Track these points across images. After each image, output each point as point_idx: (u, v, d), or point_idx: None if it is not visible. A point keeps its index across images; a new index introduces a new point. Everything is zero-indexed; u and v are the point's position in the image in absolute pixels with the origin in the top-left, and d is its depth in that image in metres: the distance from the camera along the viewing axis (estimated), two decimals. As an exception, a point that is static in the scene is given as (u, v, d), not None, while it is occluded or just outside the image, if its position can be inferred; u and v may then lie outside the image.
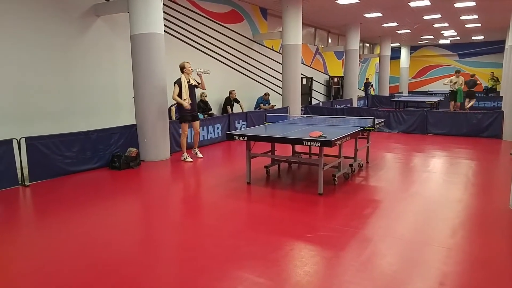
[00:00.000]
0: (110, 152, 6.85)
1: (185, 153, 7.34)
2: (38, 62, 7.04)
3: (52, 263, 3.29)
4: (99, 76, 8.11)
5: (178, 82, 6.96)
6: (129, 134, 7.19)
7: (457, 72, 13.44)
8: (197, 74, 7.18)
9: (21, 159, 5.70)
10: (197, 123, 7.42)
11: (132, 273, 3.08)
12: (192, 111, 7.17)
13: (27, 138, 5.75)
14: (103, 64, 8.19)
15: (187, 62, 7.12)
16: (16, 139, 5.65)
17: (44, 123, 7.04)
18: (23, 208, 4.95)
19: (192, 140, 7.80)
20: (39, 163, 5.86)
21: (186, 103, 6.96)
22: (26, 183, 5.68)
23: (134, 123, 7.37)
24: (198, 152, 7.63)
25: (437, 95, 18.04)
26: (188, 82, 7.05)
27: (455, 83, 13.12)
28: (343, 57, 17.93)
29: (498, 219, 4.22)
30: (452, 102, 13.47)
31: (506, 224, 4.10)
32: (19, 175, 5.66)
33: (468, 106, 13.90)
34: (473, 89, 14.06)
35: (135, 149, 6.97)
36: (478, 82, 14.90)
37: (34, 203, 5.11)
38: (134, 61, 7.17)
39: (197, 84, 7.25)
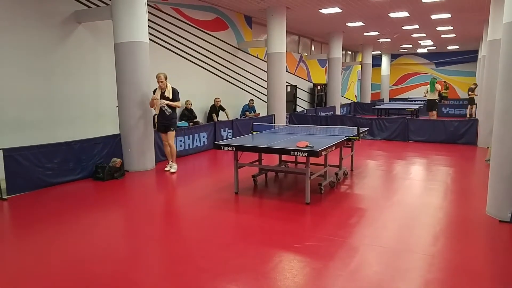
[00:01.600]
0: (94, 162, 6.71)
1: (170, 161, 7.26)
2: (16, 70, 6.84)
3: (30, 280, 3.20)
4: (81, 85, 7.95)
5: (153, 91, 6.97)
6: (113, 144, 7.09)
7: (433, 79, 13.66)
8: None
9: None
10: (169, 135, 7.08)
11: (121, 288, 3.05)
12: (163, 121, 7.02)
13: (4, 150, 5.50)
14: (86, 72, 8.05)
15: (162, 74, 6.80)
16: None
17: (23, 133, 6.84)
18: (0, 223, 4.77)
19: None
20: (17, 175, 5.63)
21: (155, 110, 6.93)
22: (3, 196, 5.44)
23: (118, 132, 7.28)
24: (172, 167, 7.17)
25: (416, 102, 18.54)
26: (163, 92, 6.87)
27: (426, 91, 13.28)
28: (326, 65, 18.21)
29: (476, 225, 4.40)
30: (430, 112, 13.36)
31: (484, 230, 4.28)
32: None
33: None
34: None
35: (119, 160, 6.87)
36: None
37: (12, 217, 4.93)
38: (118, 70, 7.10)
39: (170, 98, 6.94)
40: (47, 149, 6.10)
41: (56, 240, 4.07)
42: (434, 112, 13.22)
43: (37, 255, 3.69)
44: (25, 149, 5.80)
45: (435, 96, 13.14)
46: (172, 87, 6.97)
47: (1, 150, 5.50)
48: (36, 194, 5.71)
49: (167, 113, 6.89)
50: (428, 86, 13.17)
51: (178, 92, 7.08)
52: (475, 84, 16.15)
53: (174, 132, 7.19)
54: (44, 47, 7.28)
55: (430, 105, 13.22)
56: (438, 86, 13.23)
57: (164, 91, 6.89)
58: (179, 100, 7.13)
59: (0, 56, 6.62)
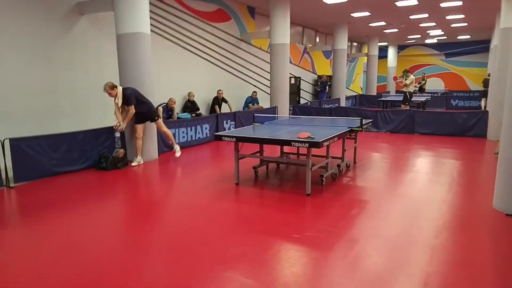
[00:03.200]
0: (97, 152, 6.76)
1: (139, 156, 7.05)
2: (21, 61, 6.90)
3: (36, 266, 3.23)
4: (85, 76, 7.98)
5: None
6: (114, 135, 7.10)
7: (406, 71, 13.49)
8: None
9: (5, 160, 5.59)
10: (158, 124, 7.23)
11: (120, 276, 3.05)
12: (143, 117, 6.98)
13: (11, 139, 5.64)
14: (89, 63, 8.06)
15: (106, 86, 6.60)
16: (0, 140, 5.54)
17: (29, 124, 6.90)
18: (8, 210, 4.85)
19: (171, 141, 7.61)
20: (24, 164, 5.77)
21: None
22: (10, 185, 5.58)
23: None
24: (177, 151, 7.51)
25: (424, 94, 18.28)
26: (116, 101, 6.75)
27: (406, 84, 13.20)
28: (331, 56, 18.01)
29: (482, 219, 4.30)
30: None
31: (489, 224, 4.18)
32: (3, 176, 5.56)
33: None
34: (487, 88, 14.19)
35: (122, 150, 6.89)
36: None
37: (18, 205, 5.02)
38: (120, 61, 7.08)
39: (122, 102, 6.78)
40: (53, 139, 6.20)
41: (60, 227, 4.12)
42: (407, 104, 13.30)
43: (44, 241, 3.74)
44: (32, 139, 5.92)
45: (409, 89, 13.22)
46: (122, 90, 6.70)
47: (8, 140, 5.61)
48: (41, 183, 5.81)
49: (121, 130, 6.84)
50: (405, 78, 13.17)
51: (131, 93, 6.71)
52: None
53: (160, 119, 7.30)
54: (48, 39, 7.31)
55: (411, 97, 13.38)
56: (412, 77, 13.15)
57: (115, 99, 6.71)
58: (132, 103, 6.72)
59: (4, 47, 6.67)
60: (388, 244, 3.60)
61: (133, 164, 6.91)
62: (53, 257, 3.42)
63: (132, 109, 6.75)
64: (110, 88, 6.64)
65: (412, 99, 14.77)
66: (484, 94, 15.45)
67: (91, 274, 3.10)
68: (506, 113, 4.43)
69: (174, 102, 9.27)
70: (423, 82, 20.75)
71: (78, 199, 5.08)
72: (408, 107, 12.97)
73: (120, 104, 6.72)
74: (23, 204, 5.00)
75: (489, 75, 15.75)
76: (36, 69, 7.14)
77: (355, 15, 14.62)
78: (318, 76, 18.87)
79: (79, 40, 7.86)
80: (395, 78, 14.92)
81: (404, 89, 13.05)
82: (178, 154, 7.49)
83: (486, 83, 15.22)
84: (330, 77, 18.47)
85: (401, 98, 13.57)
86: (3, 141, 5.57)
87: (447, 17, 15.61)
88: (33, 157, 5.90)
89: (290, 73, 13.20)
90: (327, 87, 17.71)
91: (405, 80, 12.96)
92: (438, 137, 9.86)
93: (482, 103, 15.95)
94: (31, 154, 5.87)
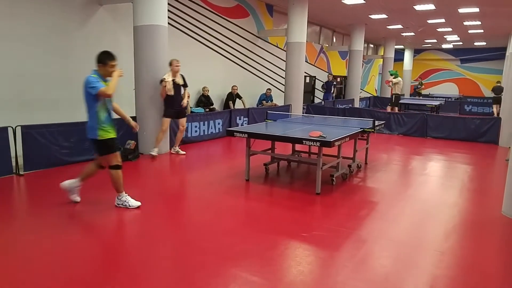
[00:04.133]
0: (109, 143, 6.82)
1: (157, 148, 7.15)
2: (38, 50, 6.98)
3: (43, 255, 3.27)
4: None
5: (161, 81, 6.92)
6: (128, 126, 7.03)
7: (395, 73, 13.93)
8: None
9: (16, 148, 5.58)
10: (183, 120, 7.28)
11: (127, 268, 3.10)
12: (176, 107, 7.08)
13: (23, 127, 5.63)
14: (105, 54, 8.16)
15: (176, 60, 6.91)
16: (12, 127, 5.54)
17: (43, 112, 6.97)
18: (16, 198, 4.91)
19: (175, 137, 7.54)
20: (35, 152, 5.74)
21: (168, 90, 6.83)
22: (20, 172, 5.59)
23: (134, 115, 7.34)
24: (180, 150, 7.44)
25: (438, 98, 18.08)
26: (174, 80, 6.89)
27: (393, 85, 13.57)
28: (347, 57, 17.88)
29: (491, 224, 4.27)
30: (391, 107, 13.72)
31: (498, 229, 4.15)
32: (13, 163, 5.57)
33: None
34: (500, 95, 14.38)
35: (133, 142, 6.95)
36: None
37: (27, 193, 5.07)
38: (136, 53, 7.15)
39: (182, 84, 7.06)
40: (64, 128, 6.20)
41: (70, 216, 4.16)
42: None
43: (53, 230, 3.76)
44: (43, 127, 5.92)
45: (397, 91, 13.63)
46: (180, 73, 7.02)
47: (20, 127, 5.63)
48: (51, 172, 5.83)
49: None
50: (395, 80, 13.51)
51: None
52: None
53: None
54: (65, 28, 7.40)
55: (397, 99, 13.74)
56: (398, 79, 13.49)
57: (175, 78, 6.88)
58: (187, 85, 7.21)
59: (22, 37, 6.75)
60: (396, 246, 3.59)
61: (152, 153, 7.00)
62: (61, 245, 3.46)
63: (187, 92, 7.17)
64: (177, 62, 6.92)
65: (426, 104, 14.74)
66: (495, 100, 15.48)
67: (98, 263, 3.15)
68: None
69: (188, 96, 9.33)
70: (421, 86, 21.11)
71: (88, 190, 4.98)
72: (396, 110, 13.25)
73: (179, 82, 6.91)
74: (32, 192, 5.03)
75: (497, 82, 15.76)
76: (53, 58, 7.23)
77: (373, 17, 14.48)
78: (333, 76, 18.76)
79: (96, 30, 7.92)
80: (387, 82, 15.05)
81: (393, 92, 13.57)
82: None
83: (496, 90, 15.38)
84: (336, 77, 18.17)
85: (415, 102, 13.61)
86: (15, 128, 5.58)
87: (464, 23, 15.42)
88: (44, 145, 5.89)
89: (305, 72, 13.15)
90: (333, 88, 16.80)
91: (394, 79, 13.38)
92: (451, 141, 9.77)
93: (495, 109, 15.96)
94: (42, 142, 5.85)
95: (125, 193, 4.40)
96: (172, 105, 7.05)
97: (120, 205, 4.36)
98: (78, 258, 3.19)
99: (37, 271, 2.97)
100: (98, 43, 7.98)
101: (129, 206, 4.34)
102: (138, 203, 4.38)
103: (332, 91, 16.66)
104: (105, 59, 4.20)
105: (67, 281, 2.83)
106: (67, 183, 4.38)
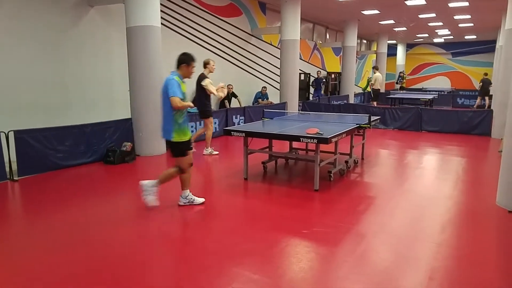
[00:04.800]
0: (105, 146, 6.75)
1: (209, 147, 7.44)
2: (29, 53, 6.91)
3: (39, 262, 3.24)
4: (93, 69, 8.01)
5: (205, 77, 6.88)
6: (124, 128, 7.14)
7: (375, 68, 14.68)
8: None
9: (9, 153, 5.49)
10: (211, 118, 7.44)
11: (128, 270, 3.09)
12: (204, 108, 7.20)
13: (15, 132, 5.53)
14: (98, 56, 8.09)
15: (212, 60, 7.07)
16: (4, 132, 5.44)
17: (37, 117, 6.91)
18: (11, 204, 4.87)
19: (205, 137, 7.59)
20: (28, 157, 5.66)
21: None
22: (14, 178, 5.51)
23: (130, 117, 7.34)
24: (213, 150, 7.51)
25: (431, 92, 18.22)
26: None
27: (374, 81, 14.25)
28: (341, 53, 17.93)
29: (486, 215, 4.35)
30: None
31: (493, 220, 4.24)
32: (7, 169, 5.48)
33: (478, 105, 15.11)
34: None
35: (130, 144, 6.93)
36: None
37: (22, 199, 5.02)
38: (130, 54, 7.12)
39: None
40: (59, 131, 6.14)
41: (67, 221, 4.14)
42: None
43: (48, 237, 3.74)
44: (36, 131, 5.83)
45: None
46: None
47: (13, 132, 5.52)
48: (46, 176, 5.77)
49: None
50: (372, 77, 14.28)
51: None
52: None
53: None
54: (56, 31, 7.34)
55: (376, 94, 14.45)
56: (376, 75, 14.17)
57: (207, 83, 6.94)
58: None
59: (13, 41, 6.69)
60: (394, 239, 3.64)
61: (213, 153, 7.35)
62: (57, 252, 3.43)
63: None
64: (214, 62, 7.13)
65: (419, 98, 14.99)
66: (483, 93, 15.89)
67: (97, 266, 3.12)
68: (510, 112, 4.46)
69: None
70: (403, 81, 21.71)
71: (84, 193, 5.05)
72: (375, 104, 13.80)
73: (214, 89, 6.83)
74: (27, 198, 4.98)
75: (485, 74, 16.06)
76: (44, 61, 7.16)
77: (365, 12, 14.57)
78: (328, 73, 18.83)
79: (88, 32, 7.85)
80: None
81: (374, 87, 14.23)
82: (214, 152, 7.46)
83: (485, 82, 15.73)
84: (329, 73, 18.33)
85: (409, 96, 13.86)
86: (8, 133, 5.46)
87: (455, 17, 15.61)
88: (38, 150, 5.81)
89: (300, 69, 13.18)
90: (322, 85, 16.57)
91: (373, 74, 14.03)
92: (445, 134, 9.90)
93: (478, 101, 16.33)
94: (36, 146, 5.77)
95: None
96: (211, 104, 7.22)
97: (186, 203, 4.54)
98: (80, 260, 3.19)
99: (30, 278, 2.97)
100: (91, 45, 7.98)
101: (194, 201, 4.55)
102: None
103: (321, 88, 16.56)
104: (189, 60, 4.30)
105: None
106: (145, 182, 4.42)
